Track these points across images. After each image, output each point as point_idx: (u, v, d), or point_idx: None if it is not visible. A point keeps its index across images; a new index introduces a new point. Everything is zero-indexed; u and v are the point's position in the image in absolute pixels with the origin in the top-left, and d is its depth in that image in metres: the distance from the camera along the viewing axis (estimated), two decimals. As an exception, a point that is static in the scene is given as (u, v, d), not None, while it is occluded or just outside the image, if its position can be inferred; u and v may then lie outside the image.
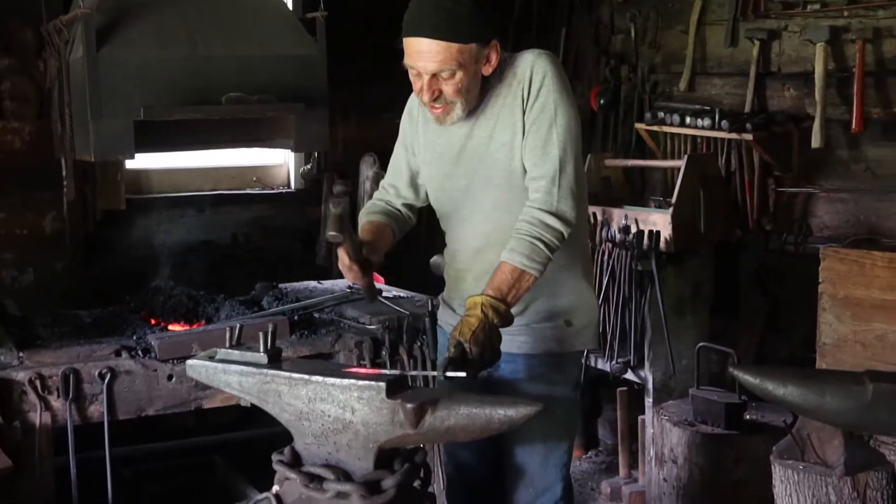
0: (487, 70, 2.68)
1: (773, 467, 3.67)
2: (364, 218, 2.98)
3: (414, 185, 3.01)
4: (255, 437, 4.65)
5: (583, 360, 3.05)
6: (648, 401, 4.47)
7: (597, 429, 5.31)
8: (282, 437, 4.36)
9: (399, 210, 3.04)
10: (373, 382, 2.40)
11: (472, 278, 2.86)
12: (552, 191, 2.64)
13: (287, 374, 2.50)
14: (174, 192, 5.22)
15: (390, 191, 3.06)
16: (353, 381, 2.43)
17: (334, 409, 2.45)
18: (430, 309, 3.69)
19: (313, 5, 4.18)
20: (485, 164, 2.76)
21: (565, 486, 2.93)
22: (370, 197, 5.30)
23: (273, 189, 5.50)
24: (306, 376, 2.48)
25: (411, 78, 2.71)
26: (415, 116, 2.94)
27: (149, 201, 5.12)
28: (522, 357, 2.82)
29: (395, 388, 2.40)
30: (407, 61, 2.67)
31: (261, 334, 2.57)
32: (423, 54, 2.61)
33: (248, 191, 5.43)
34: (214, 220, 5.26)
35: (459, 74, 2.62)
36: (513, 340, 2.72)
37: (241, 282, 4.26)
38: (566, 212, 2.64)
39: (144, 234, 5.02)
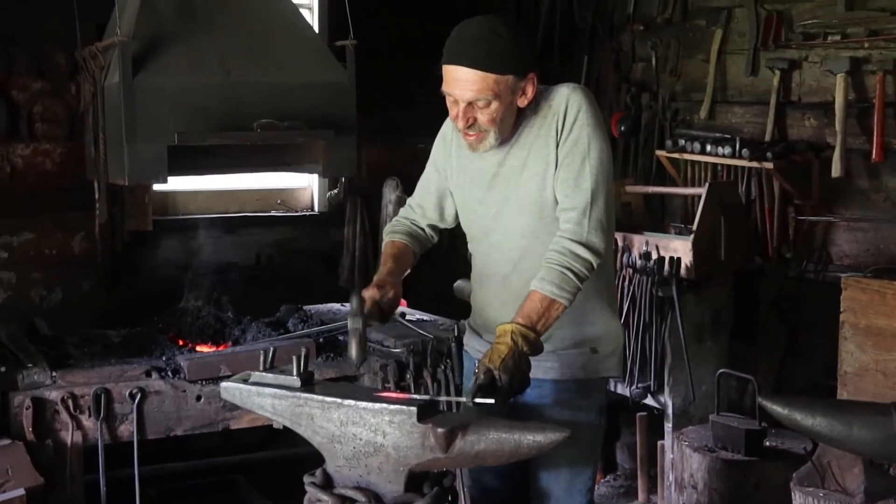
0: (523, 102, 2.73)
1: (793, 494, 3.70)
2: (388, 237, 3.06)
3: (441, 207, 3.07)
4: (278, 458, 4.71)
5: (607, 387, 3.05)
6: (668, 426, 4.50)
7: (615, 453, 5.34)
8: (305, 457, 4.40)
9: (423, 230, 3.11)
10: (404, 407, 2.46)
11: (500, 304, 2.90)
12: (583, 222, 2.69)
13: (320, 397, 2.55)
14: (200, 213, 5.29)
15: (417, 210, 3.12)
16: (384, 405, 2.49)
17: (366, 432, 2.50)
18: (455, 334, 3.74)
19: (341, 29, 4.25)
20: (517, 192, 2.81)
21: None
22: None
23: (297, 212, 5.57)
24: (339, 400, 2.53)
25: (448, 104, 2.76)
26: (448, 140, 2.99)
27: (175, 222, 5.20)
28: (549, 382, 2.85)
29: (426, 412, 2.46)
30: (445, 88, 2.72)
31: (294, 358, 2.63)
32: (461, 82, 2.66)
33: (273, 213, 5.50)
34: (239, 242, 5.33)
35: (495, 104, 2.67)
36: (539, 366, 2.75)
37: (264, 303, 4.31)
38: (596, 243, 2.68)
39: (170, 255, 5.10)
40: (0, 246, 4.75)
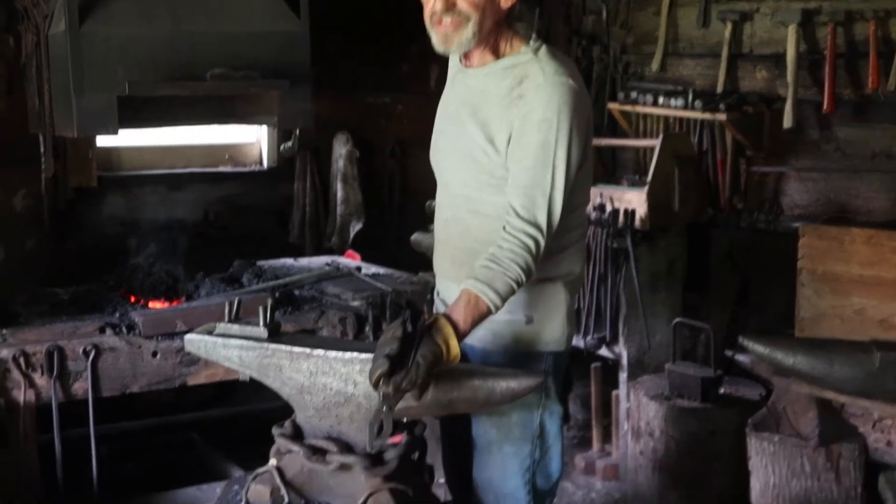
0: (507, 2, 2.60)
1: (748, 439, 3.77)
2: None
3: None
4: (232, 415, 4.67)
5: (553, 362, 2.79)
6: (623, 376, 4.54)
7: (568, 404, 5.38)
8: (261, 414, 4.38)
9: None
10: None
11: (440, 248, 2.88)
12: (537, 200, 2.55)
13: (288, 348, 2.51)
14: (145, 169, 5.17)
15: None
16: (355, 354, 2.45)
17: (336, 382, 2.47)
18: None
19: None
20: (463, 140, 2.70)
21: (531, 492, 2.81)
22: (343, 175, 5.40)
23: (245, 167, 5.47)
24: (308, 350, 2.49)
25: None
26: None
27: (120, 179, 5.07)
28: (480, 351, 2.74)
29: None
30: None
31: (260, 309, 2.58)
32: None
33: (220, 169, 5.39)
34: (186, 198, 5.21)
35: None
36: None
37: (215, 260, 4.23)
38: (543, 225, 2.55)
39: (115, 211, 4.98)
40: (-61, 202, 4.59)
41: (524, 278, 2.52)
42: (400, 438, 2.47)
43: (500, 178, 2.64)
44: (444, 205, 2.86)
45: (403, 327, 2.35)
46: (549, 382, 2.72)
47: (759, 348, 2.57)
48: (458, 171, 2.76)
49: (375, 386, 2.29)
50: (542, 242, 2.54)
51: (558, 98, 2.54)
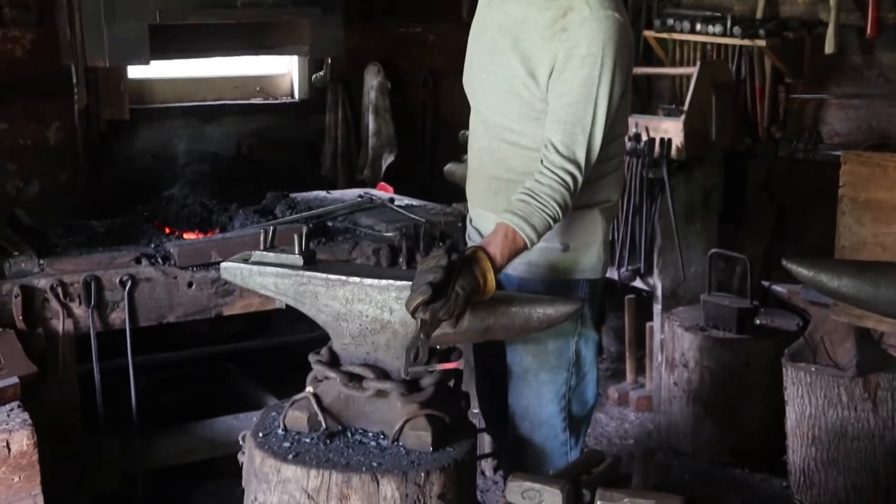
0: None
1: (784, 370, 3.75)
2: None
3: None
4: (267, 346, 4.70)
5: (589, 290, 2.78)
6: (657, 307, 4.53)
7: (601, 337, 5.36)
8: (292, 345, 4.41)
9: None
10: (411, 282, 2.41)
11: (474, 175, 2.86)
12: (577, 137, 2.52)
13: (324, 275, 2.50)
14: (177, 102, 5.14)
15: None
16: (391, 281, 2.44)
17: (372, 309, 2.46)
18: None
19: None
20: (502, 69, 2.66)
21: (567, 418, 2.84)
22: (374, 106, 5.35)
23: (276, 99, 5.44)
24: (344, 277, 2.48)
25: None
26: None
27: (152, 111, 5.05)
28: (517, 279, 2.74)
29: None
30: None
31: (296, 236, 2.57)
32: None
33: (252, 101, 5.36)
34: (218, 131, 5.19)
35: None
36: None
37: (247, 193, 4.22)
38: (582, 158, 2.52)
39: (148, 145, 4.98)
40: (-28, 137, 4.60)
41: (561, 214, 2.51)
42: (456, 365, 2.43)
43: (539, 112, 2.61)
44: (480, 133, 2.82)
45: (448, 256, 2.32)
46: (585, 310, 2.72)
47: (803, 271, 2.52)
48: (496, 101, 2.72)
49: (413, 313, 2.28)
50: (580, 179, 2.53)
51: (604, 33, 2.49)
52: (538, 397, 2.80)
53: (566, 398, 2.81)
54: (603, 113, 2.51)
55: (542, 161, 2.54)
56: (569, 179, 2.50)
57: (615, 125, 2.61)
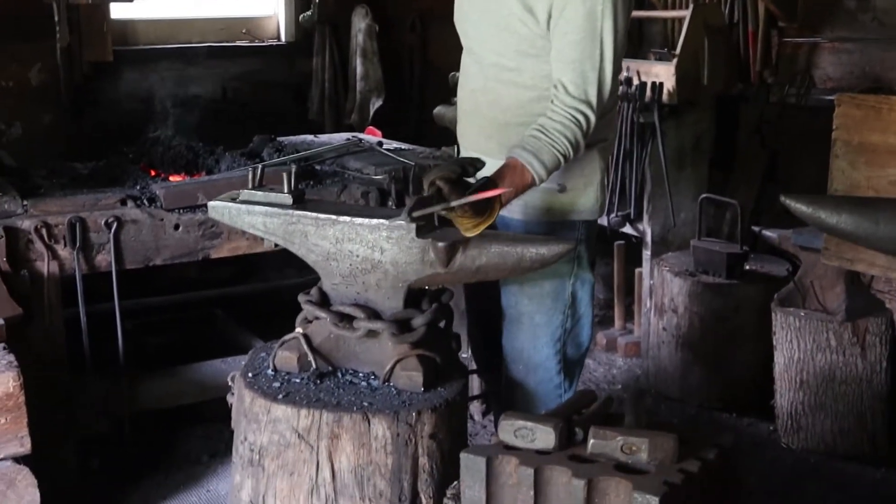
0: None
1: (773, 314, 3.75)
2: None
3: None
4: (254, 292, 4.68)
5: (586, 231, 2.79)
6: (646, 253, 4.51)
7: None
8: (280, 291, 4.38)
9: None
10: (402, 222, 2.38)
11: (466, 119, 2.81)
12: (587, 75, 2.49)
13: (314, 214, 2.47)
14: (161, 43, 5.06)
15: None
16: (382, 220, 2.41)
17: (363, 249, 2.44)
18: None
19: None
20: (501, 10, 2.60)
21: (562, 361, 2.84)
22: (362, 50, 5.27)
23: (262, 41, 5.35)
24: (333, 216, 2.45)
25: None
26: None
27: (135, 53, 4.97)
28: (514, 221, 2.72)
29: (425, 227, 2.38)
30: None
31: (284, 175, 2.53)
32: None
33: (238, 43, 5.27)
34: (203, 74, 5.12)
35: None
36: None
37: (233, 136, 4.17)
38: (595, 104, 2.50)
39: (132, 87, 4.91)
40: (-48, 79, 4.52)
41: (572, 153, 2.49)
42: (499, 191, 2.32)
43: (539, 49, 2.56)
44: (473, 74, 2.77)
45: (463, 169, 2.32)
46: (582, 251, 2.70)
47: (802, 207, 2.51)
48: (491, 40, 2.67)
49: (430, 182, 2.27)
50: (593, 119, 2.51)
51: None
52: (533, 340, 2.78)
53: (561, 341, 2.80)
54: (610, 48, 2.47)
55: (552, 101, 2.52)
56: (581, 118, 2.48)
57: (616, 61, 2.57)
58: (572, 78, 2.48)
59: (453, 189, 2.27)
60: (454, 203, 2.25)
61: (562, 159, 2.47)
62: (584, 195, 2.70)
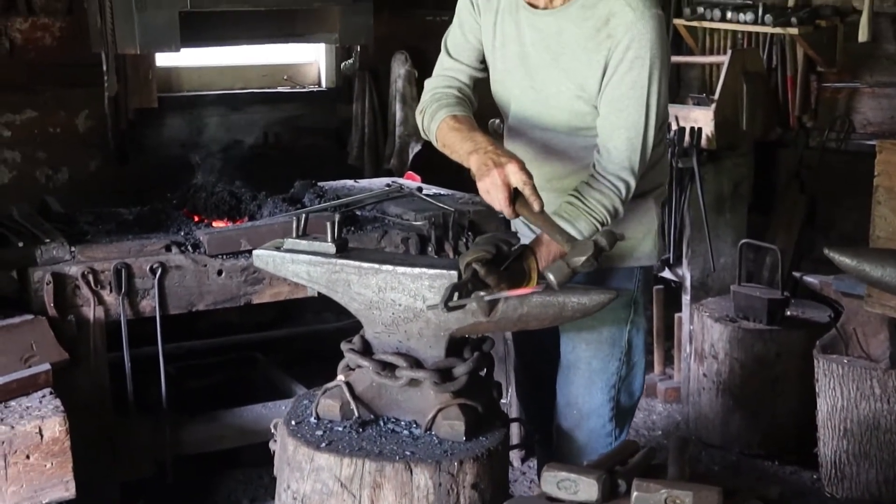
0: None
1: (816, 361, 3.72)
2: (444, 112, 2.67)
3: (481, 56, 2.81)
4: (295, 335, 4.70)
5: (643, 277, 2.82)
6: (686, 298, 4.50)
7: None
8: (320, 334, 4.40)
9: (468, 89, 2.80)
10: (444, 271, 2.40)
11: None
12: (632, 143, 2.50)
13: (357, 263, 2.49)
14: (204, 90, 5.15)
15: (452, 69, 2.83)
16: (424, 269, 2.43)
17: (405, 297, 2.45)
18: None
19: None
20: (551, 88, 2.61)
21: (615, 408, 2.83)
22: (402, 95, 5.33)
23: (304, 87, 5.43)
24: (376, 265, 2.47)
25: None
26: (477, 5, 2.82)
27: (180, 99, 5.06)
28: None
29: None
30: None
31: (328, 224, 2.56)
32: None
33: (280, 89, 5.36)
34: (245, 119, 5.19)
35: None
36: None
37: (274, 181, 4.22)
38: (637, 163, 2.52)
39: (176, 133, 4.99)
40: (2, 124, 4.60)
41: (609, 220, 2.51)
42: (529, 291, 2.35)
43: (590, 123, 2.59)
44: (518, 146, 2.73)
45: (498, 248, 2.36)
46: (638, 297, 2.76)
47: (846, 260, 2.49)
48: (540, 118, 2.68)
49: (466, 265, 2.29)
50: (633, 186, 2.53)
51: (650, 33, 2.45)
52: (588, 386, 2.79)
53: (616, 388, 2.80)
54: (654, 113, 2.50)
55: (594, 165, 2.53)
56: (622, 186, 2.51)
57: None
58: (617, 144, 2.50)
59: (489, 271, 2.29)
60: (487, 297, 2.28)
61: (599, 227, 2.49)
62: (644, 243, 2.75)
